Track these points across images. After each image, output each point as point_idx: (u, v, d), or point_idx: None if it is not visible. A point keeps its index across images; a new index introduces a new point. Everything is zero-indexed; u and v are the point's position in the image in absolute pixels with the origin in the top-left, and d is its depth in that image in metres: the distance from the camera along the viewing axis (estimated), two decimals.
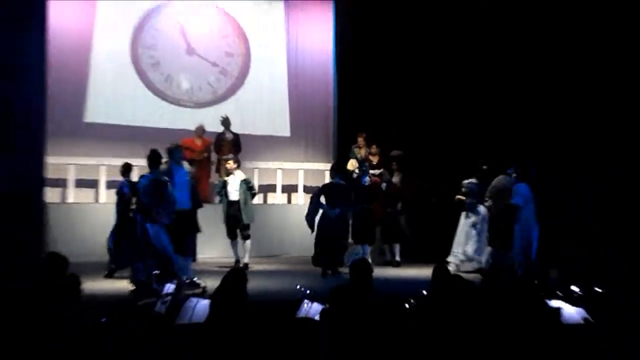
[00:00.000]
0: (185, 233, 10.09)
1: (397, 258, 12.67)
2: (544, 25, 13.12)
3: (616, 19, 12.26)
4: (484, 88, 13.97)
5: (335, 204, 11.65)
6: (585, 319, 6.20)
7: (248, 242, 12.09)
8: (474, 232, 11.93)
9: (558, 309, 5.97)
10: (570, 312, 6.28)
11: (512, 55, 13.52)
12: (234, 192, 11.99)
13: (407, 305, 6.85)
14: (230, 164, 12.19)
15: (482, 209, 11.83)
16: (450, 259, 11.86)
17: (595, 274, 8.79)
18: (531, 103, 13.35)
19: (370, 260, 11.40)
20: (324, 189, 12.11)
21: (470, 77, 14.17)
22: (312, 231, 11.75)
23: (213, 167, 14.23)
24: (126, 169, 11.26)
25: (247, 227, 12.06)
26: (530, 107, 13.36)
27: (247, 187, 11.99)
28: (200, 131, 13.91)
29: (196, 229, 10.44)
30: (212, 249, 12.75)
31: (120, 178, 11.35)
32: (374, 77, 15.16)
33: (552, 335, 5.22)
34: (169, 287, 8.10)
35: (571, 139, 12.78)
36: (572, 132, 12.78)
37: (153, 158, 9.74)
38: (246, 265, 11.78)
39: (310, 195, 15.47)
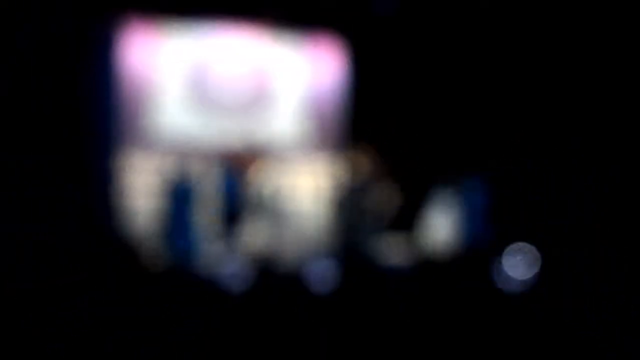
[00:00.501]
0: None
1: None
2: (544, 28, 13.17)
3: (617, 18, 12.42)
4: (485, 90, 14.14)
5: None
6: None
7: None
8: None
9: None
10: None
11: (516, 55, 13.57)
12: None
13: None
14: None
15: None
16: None
17: (595, 275, 9.05)
18: (532, 103, 13.48)
19: None
20: None
21: (469, 78, 14.29)
22: None
23: None
24: None
25: None
26: (531, 109, 13.48)
27: None
28: None
29: None
30: None
31: None
32: (380, 83, 14.99)
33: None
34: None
35: (571, 139, 12.95)
36: (572, 132, 12.96)
37: None
38: None
39: None
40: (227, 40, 15.72)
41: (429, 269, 6.47)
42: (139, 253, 6.84)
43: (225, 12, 15.12)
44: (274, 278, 7.48)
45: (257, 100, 15.89)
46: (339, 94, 16.39)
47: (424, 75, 14.99)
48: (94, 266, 7.94)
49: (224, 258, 9.99)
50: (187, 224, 10.62)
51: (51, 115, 9.45)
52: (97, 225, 9.65)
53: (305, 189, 15.31)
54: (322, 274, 7.93)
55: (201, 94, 15.26)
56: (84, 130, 9.80)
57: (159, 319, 6.18)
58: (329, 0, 14.44)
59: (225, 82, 15.40)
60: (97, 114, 10.06)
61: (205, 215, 10.90)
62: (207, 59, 15.40)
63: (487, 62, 14.13)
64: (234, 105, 15.67)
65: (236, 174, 13.09)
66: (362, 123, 15.52)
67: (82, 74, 9.86)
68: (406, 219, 14.15)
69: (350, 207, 12.41)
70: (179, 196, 10.67)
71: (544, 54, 13.39)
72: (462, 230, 11.65)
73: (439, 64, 14.81)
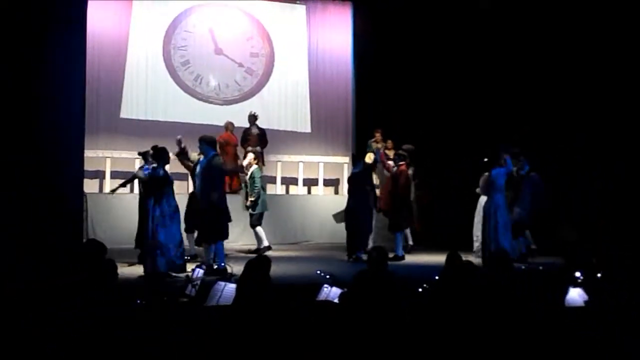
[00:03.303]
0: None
1: (410, 242, 12.61)
2: (550, 25, 13.07)
3: (621, 16, 12.16)
4: (493, 85, 13.94)
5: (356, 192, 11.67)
6: (586, 302, 6.21)
7: (257, 229, 12.04)
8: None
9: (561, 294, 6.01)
10: (573, 295, 6.29)
11: (520, 54, 13.49)
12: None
13: (420, 290, 6.89)
14: (250, 161, 12.29)
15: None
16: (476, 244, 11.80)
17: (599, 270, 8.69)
18: (537, 100, 13.29)
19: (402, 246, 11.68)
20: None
21: (480, 75, 14.14)
22: None
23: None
24: None
25: (253, 216, 12.04)
26: (536, 104, 13.30)
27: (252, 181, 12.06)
28: (232, 127, 14.01)
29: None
30: (243, 236, 12.87)
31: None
32: (390, 75, 15.20)
33: (556, 318, 5.24)
34: (199, 272, 8.21)
35: (576, 136, 12.72)
36: (577, 129, 12.72)
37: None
38: (265, 248, 11.80)
39: (329, 187, 15.65)
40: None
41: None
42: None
43: None
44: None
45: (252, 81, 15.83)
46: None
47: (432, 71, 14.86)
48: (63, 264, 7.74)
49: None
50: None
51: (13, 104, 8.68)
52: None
53: (313, 174, 15.38)
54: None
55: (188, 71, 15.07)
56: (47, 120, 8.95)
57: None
58: None
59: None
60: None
61: None
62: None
63: (496, 60, 13.83)
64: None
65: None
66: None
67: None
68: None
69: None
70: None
71: (549, 52, 13.12)
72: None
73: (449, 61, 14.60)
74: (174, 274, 9.37)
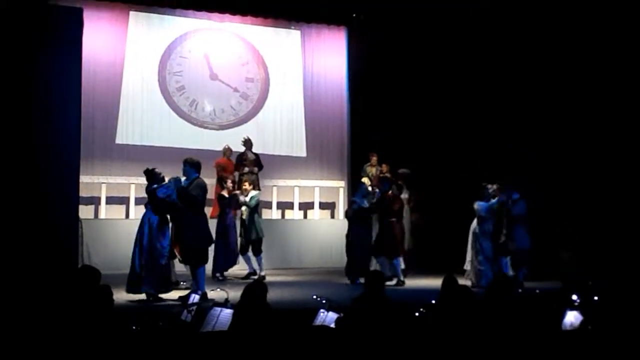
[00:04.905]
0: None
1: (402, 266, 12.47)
2: (543, 48, 13.15)
3: (607, 35, 12.27)
4: (487, 108, 13.98)
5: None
6: (582, 323, 6.18)
7: (260, 256, 12.02)
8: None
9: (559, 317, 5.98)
10: (570, 318, 6.26)
11: (513, 78, 13.53)
12: (244, 211, 12.09)
13: (417, 314, 6.85)
14: (246, 186, 12.29)
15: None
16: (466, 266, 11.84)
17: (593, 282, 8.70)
18: (531, 124, 13.31)
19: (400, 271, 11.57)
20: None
21: (474, 97, 14.18)
22: None
23: None
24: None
25: (254, 242, 11.99)
26: (531, 128, 13.32)
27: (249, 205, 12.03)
28: (229, 152, 14.02)
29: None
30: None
31: None
32: (385, 99, 15.25)
33: (553, 342, 5.21)
34: (195, 297, 8.16)
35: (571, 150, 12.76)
36: (573, 143, 12.75)
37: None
38: (261, 277, 11.74)
39: (325, 210, 15.63)
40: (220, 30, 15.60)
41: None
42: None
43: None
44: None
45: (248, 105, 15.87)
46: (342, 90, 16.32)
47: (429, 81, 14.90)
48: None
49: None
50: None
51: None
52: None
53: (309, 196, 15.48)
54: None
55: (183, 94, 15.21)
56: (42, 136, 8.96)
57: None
58: None
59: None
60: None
61: None
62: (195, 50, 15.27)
63: (492, 84, 13.85)
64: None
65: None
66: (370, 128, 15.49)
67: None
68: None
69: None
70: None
71: (546, 73, 13.17)
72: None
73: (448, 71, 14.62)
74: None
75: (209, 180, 13.18)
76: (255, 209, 12.11)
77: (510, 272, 11.25)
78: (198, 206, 9.57)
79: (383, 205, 11.88)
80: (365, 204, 11.83)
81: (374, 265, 11.81)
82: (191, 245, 9.55)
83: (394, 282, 11.39)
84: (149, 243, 9.43)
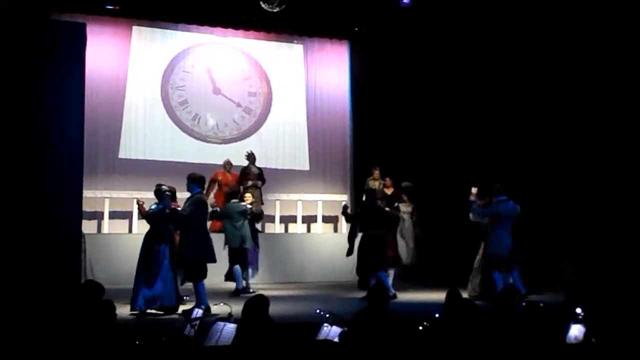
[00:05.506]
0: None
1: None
2: (543, 49, 13.16)
3: (599, 45, 12.28)
4: (490, 120, 13.99)
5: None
6: (585, 336, 6.16)
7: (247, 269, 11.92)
8: None
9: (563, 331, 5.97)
10: (574, 332, 6.25)
11: (515, 90, 13.54)
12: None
13: (420, 328, 6.83)
14: (247, 198, 12.25)
15: None
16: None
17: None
18: (536, 120, 13.29)
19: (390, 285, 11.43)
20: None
21: (477, 110, 14.19)
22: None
23: None
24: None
25: (238, 251, 11.79)
26: (535, 124, 13.30)
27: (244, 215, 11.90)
28: (229, 166, 14.03)
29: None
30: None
31: None
32: (387, 112, 15.28)
33: (557, 356, 5.20)
34: (198, 312, 8.15)
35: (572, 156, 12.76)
36: (574, 141, 12.74)
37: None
38: (244, 289, 11.62)
39: (328, 224, 15.63)
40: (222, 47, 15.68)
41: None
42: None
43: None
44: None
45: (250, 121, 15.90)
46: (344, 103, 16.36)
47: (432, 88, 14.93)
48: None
49: None
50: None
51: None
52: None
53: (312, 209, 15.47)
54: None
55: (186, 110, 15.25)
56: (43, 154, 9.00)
57: None
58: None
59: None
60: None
61: None
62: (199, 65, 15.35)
63: (495, 95, 13.87)
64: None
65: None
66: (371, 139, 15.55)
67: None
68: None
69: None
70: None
71: (547, 83, 13.14)
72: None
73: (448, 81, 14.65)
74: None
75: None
76: (248, 219, 11.93)
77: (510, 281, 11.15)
78: (182, 222, 9.58)
79: (368, 216, 11.70)
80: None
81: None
82: (188, 260, 9.56)
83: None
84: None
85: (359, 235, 11.70)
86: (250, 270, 11.99)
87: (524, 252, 11.21)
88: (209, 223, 12.36)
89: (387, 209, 11.82)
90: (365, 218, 11.66)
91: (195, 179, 9.77)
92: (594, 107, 12.41)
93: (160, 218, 9.67)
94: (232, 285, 11.77)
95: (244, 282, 11.78)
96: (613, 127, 12.19)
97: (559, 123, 12.96)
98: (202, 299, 9.39)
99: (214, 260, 9.91)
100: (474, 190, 11.12)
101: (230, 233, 11.79)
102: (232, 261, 11.76)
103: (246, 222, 11.85)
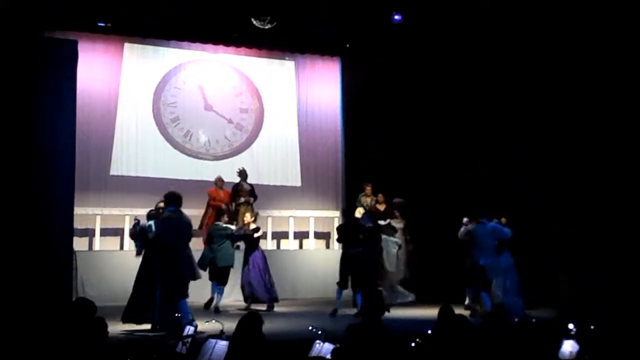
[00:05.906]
0: None
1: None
2: (542, 52, 13.19)
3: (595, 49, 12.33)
4: (483, 136, 14.02)
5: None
6: (579, 353, 6.16)
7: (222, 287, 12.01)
8: None
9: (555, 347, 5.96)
10: (566, 347, 6.24)
11: (509, 104, 13.58)
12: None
13: (413, 344, 6.81)
14: (247, 217, 12.52)
15: None
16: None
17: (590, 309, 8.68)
18: (535, 123, 13.31)
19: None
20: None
21: (470, 126, 14.22)
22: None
23: None
24: None
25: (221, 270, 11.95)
26: (534, 127, 13.31)
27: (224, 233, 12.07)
28: (221, 182, 14.02)
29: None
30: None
31: None
32: (379, 129, 15.33)
33: None
34: (190, 329, 8.11)
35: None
36: (573, 143, 12.77)
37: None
38: (216, 308, 11.69)
39: (320, 240, 15.62)
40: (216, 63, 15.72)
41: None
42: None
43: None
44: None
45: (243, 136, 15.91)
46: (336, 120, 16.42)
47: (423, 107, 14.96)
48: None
49: None
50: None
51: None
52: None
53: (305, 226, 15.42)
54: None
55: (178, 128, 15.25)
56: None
57: None
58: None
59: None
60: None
61: None
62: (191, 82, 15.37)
63: (486, 112, 13.93)
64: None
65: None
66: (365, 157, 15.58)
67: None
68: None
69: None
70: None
71: (541, 94, 13.16)
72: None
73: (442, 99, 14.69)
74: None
75: (198, 211, 13.29)
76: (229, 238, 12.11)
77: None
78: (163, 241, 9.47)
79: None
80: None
81: None
82: (169, 278, 9.30)
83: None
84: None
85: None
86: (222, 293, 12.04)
87: (520, 269, 11.43)
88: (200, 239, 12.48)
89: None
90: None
91: (168, 198, 9.64)
92: (592, 109, 12.41)
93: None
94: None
95: (216, 298, 11.89)
96: (612, 129, 12.20)
97: (557, 125, 12.97)
98: (185, 317, 9.25)
99: (193, 278, 9.61)
100: (465, 219, 11.78)
101: (205, 252, 11.98)
102: (211, 278, 11.95)
103: (227, 242, 12.04)
